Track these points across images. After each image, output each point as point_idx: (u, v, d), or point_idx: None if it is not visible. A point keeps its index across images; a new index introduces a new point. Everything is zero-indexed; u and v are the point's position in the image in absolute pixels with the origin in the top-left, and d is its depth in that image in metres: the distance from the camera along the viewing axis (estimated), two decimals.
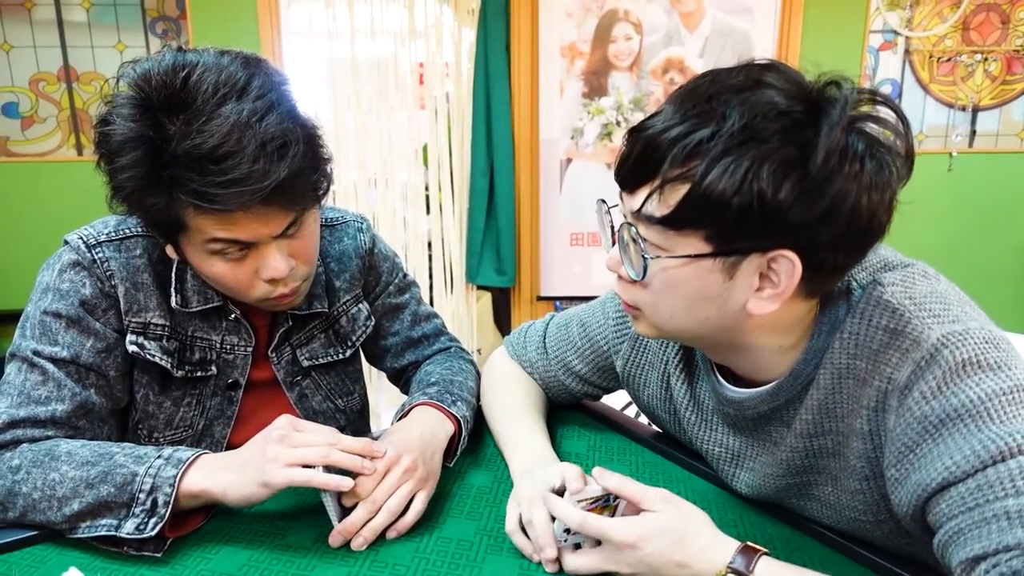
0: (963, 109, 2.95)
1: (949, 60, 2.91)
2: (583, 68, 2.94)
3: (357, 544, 0.81)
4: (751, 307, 0.69)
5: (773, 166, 0.62)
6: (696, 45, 2.91)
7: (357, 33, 2.84)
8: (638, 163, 0.69)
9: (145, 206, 0.82)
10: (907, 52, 2.91)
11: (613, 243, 0.76)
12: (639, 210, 0.69)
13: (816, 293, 0.72)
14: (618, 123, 2.98)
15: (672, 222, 0.67)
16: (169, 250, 0.91)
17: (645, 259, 0.70)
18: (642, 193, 0.69)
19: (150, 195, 0.80)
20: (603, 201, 0.79)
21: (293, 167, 0.79)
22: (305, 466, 0.77)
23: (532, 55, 2.91)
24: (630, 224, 0.71)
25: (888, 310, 0.70)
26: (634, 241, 0.71)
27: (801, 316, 0.74)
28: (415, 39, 2.88)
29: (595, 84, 2.95)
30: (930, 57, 2.91)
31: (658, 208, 0.67)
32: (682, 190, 0.65)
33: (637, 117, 2.98)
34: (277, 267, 0.87)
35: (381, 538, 0.82)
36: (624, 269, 0.74)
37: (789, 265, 0.66)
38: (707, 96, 0.66)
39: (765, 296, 0.69)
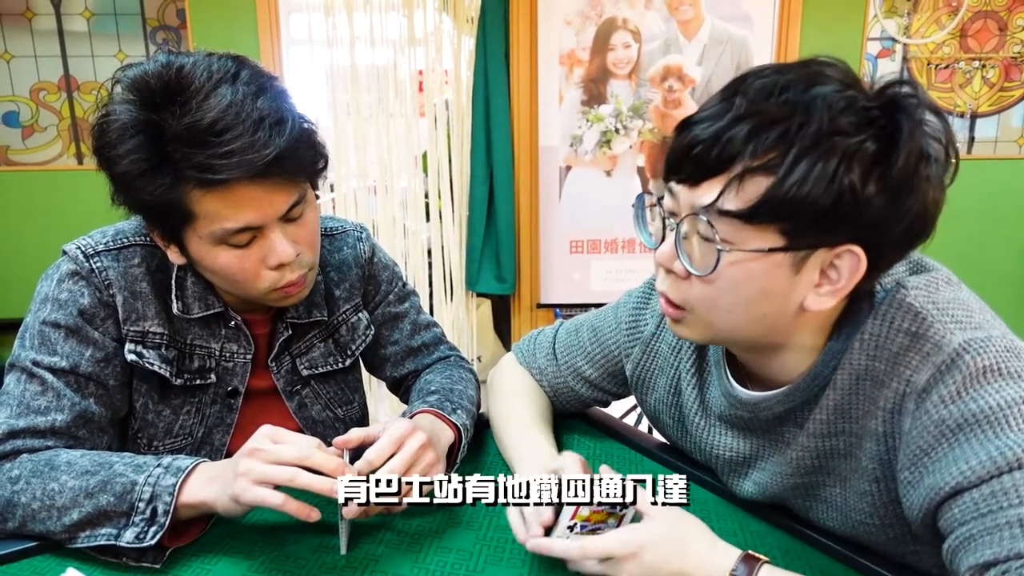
0: (961, 116, 2.96)
1: (947, 67, 2.92)
2: (582, 76, 2.95)
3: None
4: (809, 303, 0.70)
5: (861, 161, 0.63)
6: (694, 53, 2.92)
7: (357, 41, 2.85)
8: (706, 155, 0.67)
9: (149, 193, 0.82)
10: (905, 59, 2.92)
11: (663, 238, 0.75)
12: (713, 204, 0.67)
13: (862, 290, 0.72)
14: (617, 131, 2.99)
15: (751, 216, 0.66)
16: (172, 254, 0.91)
17: (719, 252, 0.68)
18: (711, 185, 0.67)
19: (154, 178, 0.81)
20: (649, 193, 0.78)
21: (292, 139, 0.82)
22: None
23: (531, 63, 2.92)
24: (698, 216, 0.69)
25: (910, 314, 0.70)
26: (701, 235, 0.69)
27: (838, 314, 0.75)
28: (414, 47, 2.89)
29: (594, 92, 2.96)
30: (928, 64, 2.92)
31: (734, 202, 0.66)
32: (763, 184, 0.64)
33: (636, 124, 2.99)
34: (284, 251, 0.87)
35: (380, 548, 0.82)
36: (679, 264, 0.72)
37: (854, 260, 0.66)
38: (779, 89, 0.65)
39: (823, 292, 0.69)
